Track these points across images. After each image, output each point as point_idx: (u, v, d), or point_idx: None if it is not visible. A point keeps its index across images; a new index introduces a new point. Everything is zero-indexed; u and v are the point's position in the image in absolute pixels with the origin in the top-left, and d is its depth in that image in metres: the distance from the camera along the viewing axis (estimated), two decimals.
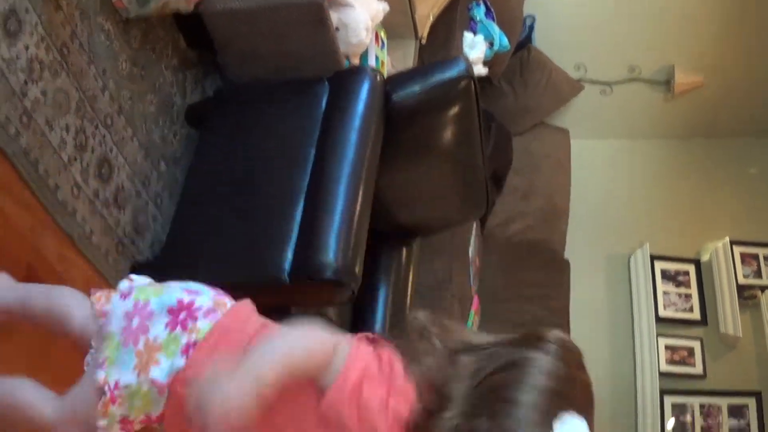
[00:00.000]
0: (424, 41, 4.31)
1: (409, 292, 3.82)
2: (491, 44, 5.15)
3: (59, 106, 2.56)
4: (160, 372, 1.60)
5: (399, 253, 3.81)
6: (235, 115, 3.25)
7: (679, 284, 6.29)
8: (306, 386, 1.49)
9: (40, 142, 2.47)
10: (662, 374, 5.88)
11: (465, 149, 3.38)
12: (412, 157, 3.33)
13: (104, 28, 2.83)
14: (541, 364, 1.43)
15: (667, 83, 6.62)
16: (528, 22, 6.43)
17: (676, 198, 6.61)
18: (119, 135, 2.91)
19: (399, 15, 3.94)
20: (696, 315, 6.21)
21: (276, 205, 2.89)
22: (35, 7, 2.43)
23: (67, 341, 1.91)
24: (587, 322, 6.09)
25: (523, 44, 6.37)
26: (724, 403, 5.88)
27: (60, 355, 2.43)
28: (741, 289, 6.08)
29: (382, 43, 3.78)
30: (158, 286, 1.79)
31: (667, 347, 6.02)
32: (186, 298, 1.69)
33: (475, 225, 5.41)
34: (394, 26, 3.97)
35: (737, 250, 6.25)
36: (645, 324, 6.09)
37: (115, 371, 1.63)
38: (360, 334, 1.64)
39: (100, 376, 1.63)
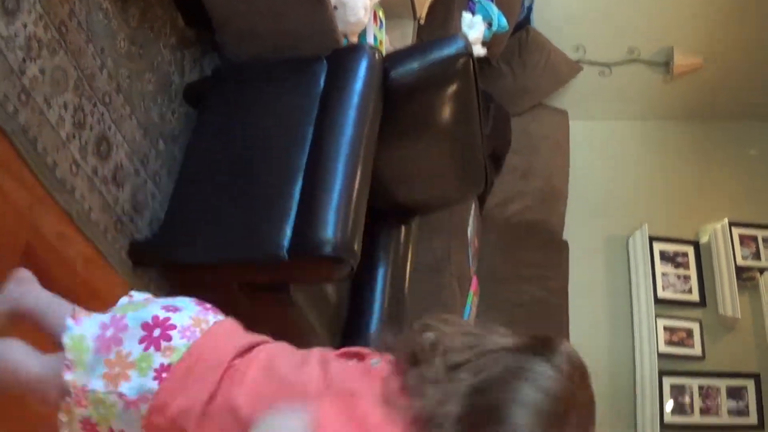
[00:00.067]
0: (422, 21, 4.31)
1: (408, 271, 3.83)
2: (490, 24, 5.15)
3: (57, 84, 2.56)
4: (129, 389, 1.59)
5: (398, 231, 3.81)
6: (233, 93, 3.25)
7: (677, 265, 6.30)
8: None
9: (39, 120, 2.46)
10: (661, 355, 5.89)
11: (463, 127, 3.38)
12: (410, 134, 3.33)
13: (102, 6, 2.83)
14: (542, 382, 1.39)
15: (666, 65, 6.61)
16: (526, 3, 6.41)
17: (675, 179, 6.61)
18: (118, 113, 2.91)
19: None
20: (695, 296, 6.21)
21: (274, 183, 2.89)
22: None
23: None
24: (586, 303, 6.10)
25: (522, 25, 6.36)
26: (722, 384, 5.89)
27: None
28: (740, 270, 6.08)
29: (381, 22, 3.78)
30: (140, 302, 1.79)
31: (665, 328, 6.02)
32: (162, 315, 1.68)
33: (473, 205, 5.41)
34: (392, 6, 3.97)
35: (736, 231, 6.25)
36: (644, 305, 6.10)
37: (83, 376, 1.63)
38: (348, 353, 1.65)
39: (67, 377, 1.63)
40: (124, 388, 1.59)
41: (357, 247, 2.78)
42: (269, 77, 3.24)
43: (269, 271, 2.84)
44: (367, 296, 3.62)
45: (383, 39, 3.77)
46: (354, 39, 3.43)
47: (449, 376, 1.43)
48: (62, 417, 1.65)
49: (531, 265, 5.96)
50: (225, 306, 3.06)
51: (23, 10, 2.38)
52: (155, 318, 1.67)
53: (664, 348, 5.94)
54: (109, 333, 1.67)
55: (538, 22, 6.54)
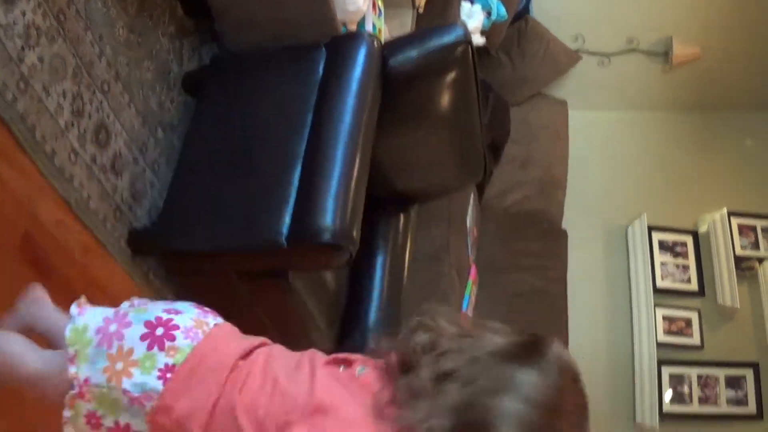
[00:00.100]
0: (421, 10, 4.31)
1: (407, 259, 3.83)
2: (489, 14, 5.14)
3: (56, 72, 2.56)
4: (132, 385, 1.59)
5: (396, 219, 3.82)
6: (232, 82, 3.25)
7: (676, 255, 6.30)
8: None
9: (37, 108, 2.46)
10: (660, 345, 5.89)
11: (462, 115, 3.38)
12: (409, 122, 3.33)
13: None
14: (529, 393, 1.39)
15: (665, 55, 6.60)
16: None
17: (673, 169, 6.62)
18: (116, 101, 2.91)
19: None
20: (694, 286, 6.22)
21: (273, 171, 2.89)
22: None
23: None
24: (585, 293, 6.11)
25: (521, 14, 6.35)
26: (721, 373, 5.91)
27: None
28: (738, 260, 6.09)
29: (380, 11, 3.77)
30: (142, 305, 1.79)
31: (664, 318, 6.03)
32: (164, 316, 1.69)
33: (472, 194, 5.41)
34: None
35: (735, 221, 6.25)
36: (643, 295, 6.10)
37: (86, 368, 1.64)
38: (337, 359, 1.65)
39: (71, 371, 1.64)
40: (127, 384, 1.59)
41: (356, 234, 2.78)
42: (268, 66, 3.24)
43: (268, 258, 2.84)
44: (366, 284, 3.62)
45: (382, 28, 3.76)
46: (353, 27, 3.43)
47: (438, 388, 1.43)
48: (67, 413, 1.65)
49: (530, 254, 5.96)
50: (224, 293, 3.09)
51: None
52: (158, 318, 1.68)
53: (662, 337, 5.95)
54: (112, 328, 1.68)
55: (537, 11, 6.53)
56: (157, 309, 1.72)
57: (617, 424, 5.80)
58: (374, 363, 1.61)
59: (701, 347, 5.96)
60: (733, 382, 5.87)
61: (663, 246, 6.31)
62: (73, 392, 1.63)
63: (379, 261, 3.69)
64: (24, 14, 2.39)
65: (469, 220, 5.23)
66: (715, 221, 6.23)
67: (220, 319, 1.78)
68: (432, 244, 4.59)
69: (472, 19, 4.95)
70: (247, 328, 3.29)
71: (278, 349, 1.77)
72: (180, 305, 1.77)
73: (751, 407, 5.82)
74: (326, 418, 1.48)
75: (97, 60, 2.79)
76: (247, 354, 1.68)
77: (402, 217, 3.84)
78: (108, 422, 1.65)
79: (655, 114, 6.89)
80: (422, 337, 1.53)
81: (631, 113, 6.91)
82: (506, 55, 6.32)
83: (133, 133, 3.02)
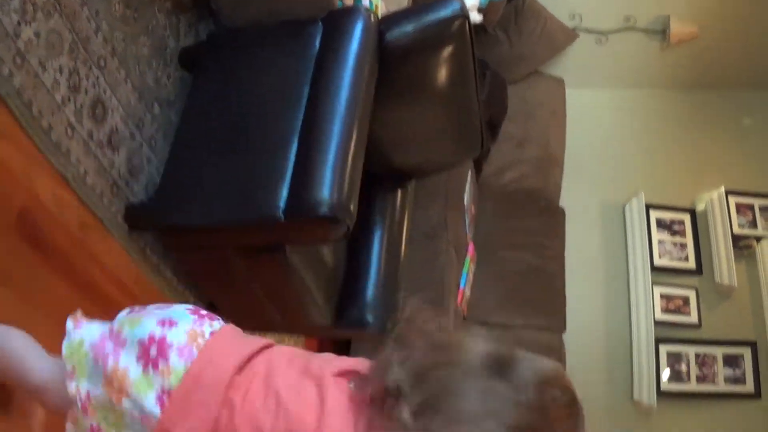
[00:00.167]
0: None
1: (404, 235, 3.83)
2: None
3: (52, 47, 2.55)
4: (131, 406, 1.57)
5: (394, 195, 3.81)
6: (228, 59, 3.24)
7: (674, 233, 6.32)
8: None
9: (34, 83, 2.46)
10: (657, 323, 5.92)
11: (459, 90, 3.37)
12: (406, 97, 3.32)
13: None
14: (506, 419, 1.37)
15: (663, 33, 6.60)
16: None
17: (671, 147, 6.63)
18: (113, 77, 2.90)
19: None
20: (691, 264, 6.24)
21: (270, 145, 2.88)
22: None
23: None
24: (582, 271, 6.13)
25: None
26: (719, 352, 5.94)
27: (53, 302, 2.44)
28: (736, 239, 6.11)
29: None
30: (136, 316, 1.73)
31: (662, 296, 6.06)
32: (158, 333, 1.63)
33: (470, 172, 5.42)
34: None
35: (732, 200, 6.27)
36: (640, 273, 6.12)
37: (86, 382, 1.62)
38: (347, 372, 1.60)
39: (71, 387, 1.62)
40: (126, 404, 1.57)
41: (353, 207, 2.78)
42: (264, 41, 3.22)
43: (265, 232, 2.84)
44: (364, 260, 3.62)
45: (378, 3, 3.75)
46: (349, 2, 3.42)
47: (417, 424, 1.40)
48: (69, 428, 1.64)
49: (527, 232, 5.98)
50: (221, 269, 3.09)
51: None
52: (151, 336, 1.62)
53: (660, 316, 5.98)
54: (108, 348, 1.64)
55: None
56: (151, 322, 1.66)
57: (615, 402, 5.83)
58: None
59: (699, 326, 5.99)
60: (731, 361, 5.90)
61: (660, 224, 6.32)
62: (77, 407, 1.61)
63: (377, 237, 3.69)
64: None
65: (466, 198, 5.24)
66: (712, 200, 6.25)
67: (217, 325, 1.71)
68: (429, 221, 4.60)
69: None
70: (244, 305, 3.31)
71: (280, 356, 1.69)
72: (176, 313, 1.71)
73: (749, 386, 5.85)
74: None
75: (93, 35, 2.78)
76: (247, 361, 1.63)
77: (399, 192, 3.83)
78: None
79: (653, 92, 6.90)
80: (399, 374, 1.48)
81: (628, 91, 6.91)
82: (503, 33, 6.31)
83: (129, 108, 3.01)
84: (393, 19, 3.22)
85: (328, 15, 3.18)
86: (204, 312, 1.73)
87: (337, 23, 3.12)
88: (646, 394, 5.70)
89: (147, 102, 3.13)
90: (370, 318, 3.51)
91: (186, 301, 3.33)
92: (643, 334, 5.90)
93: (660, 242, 6.26)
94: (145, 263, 3.10)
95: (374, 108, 3.04)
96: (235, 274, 3.05)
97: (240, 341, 1.69)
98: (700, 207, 6.39)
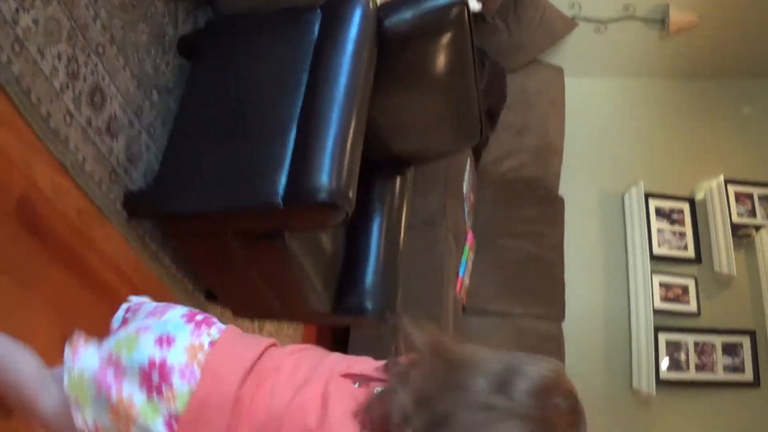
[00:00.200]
0: None
1: (403, 222, 3.83)
2: None
3: (51, 35, 2.55)
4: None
5: (393, 182, 3.81)
6: (227, 46, 3.24)
7: (673, 222, 6.32)
8: None
9: (32, 70, 2.46)
10: (657, 311, 5.92)
11: (458, 77, 3.37)
12: (405, 84, 3.31)
13: None
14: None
15: (662, 22, 6.58)
16: None
17: (670, 136, 6.62)
18: (111, 64, 2.90)
19: None
20: (690, 253, 6.24)
21: (268, 132, 2.88)
22: None
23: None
24: (582, 259, 6.13)
25: None
26: (718, 341, 5.94)
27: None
28: (735, 228, 6.11)
29: None
30: (133, 332, 1.69)
31: (661, 285, 6.06)
32: (157, 356, 1.60)
33: (469, 161, 5.42)
34: None
35: (731, 188, 6.27)
36: (639, 261, 6.12)
37: (90, 411, 1.61)
38: (353, 376, 1.59)
39: (78, 419, 1.61)
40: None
41: (352, 193, 2.78)
42: (262, 29, 3.22)
43: (264, 218, 2.84)
44: (363, 246, 3.62)
45: None
46: None
47: None
48: None
49: (527, 221, 5.98)
50: (219, 257, 3.09)
51: None
52: (151, 360, 1.59)
53: (659, 304, 5.98)
54: (109, 377, 1.61)
55: None
56: (148, 343, 1.63)
57: (614, 391, 5.83)
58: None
59: (698, 314, 5.99)
60: (730, 350, 5.91)
61: (660, 213, 6.32)
62: None
63: (376, 224, 3.69)
64: None
65: (465, 186, 5.24)
66: (711, 188, 6.25)
67: (215, 332, 1.68)
68: (428, 208, 4.61)
69: None
70: (243, 292, 3.31)
71: (284, 358, 1.67)
72: (172, 324, 1.68)
73: (748, 374, 5.85)
74: None
75: (91, 23, 2.78)
76: (250, 369, 1.61)
77: (398, 180, 3.83)
78: None
79: (652, 81, 6.89)
80: (403, 399, 1.46)
81: (627, 80, 6.90)
82: (502, 22, 6.30)
83: (128, 96, 3.01)
84: (392, 5, 3.22)
85: (326, 2, 3.18)
86: (200, 317, 1.71)
87: (335, 10, 3.11)
88: (645, 382, 5.71)
89: (145, 89, 3.13)
90: (369, 305, 3.52)
91: (185, 289, 3.34)
92: (642, 323, 5.90)
93: (659, 231, 6.25)
94: (144, 250, 3.11)
95: (373, 95, 3.04)
96: (233, 261, 3.05)
97: (241, 347, 1.68)
98: (699, 196, 6.39)
